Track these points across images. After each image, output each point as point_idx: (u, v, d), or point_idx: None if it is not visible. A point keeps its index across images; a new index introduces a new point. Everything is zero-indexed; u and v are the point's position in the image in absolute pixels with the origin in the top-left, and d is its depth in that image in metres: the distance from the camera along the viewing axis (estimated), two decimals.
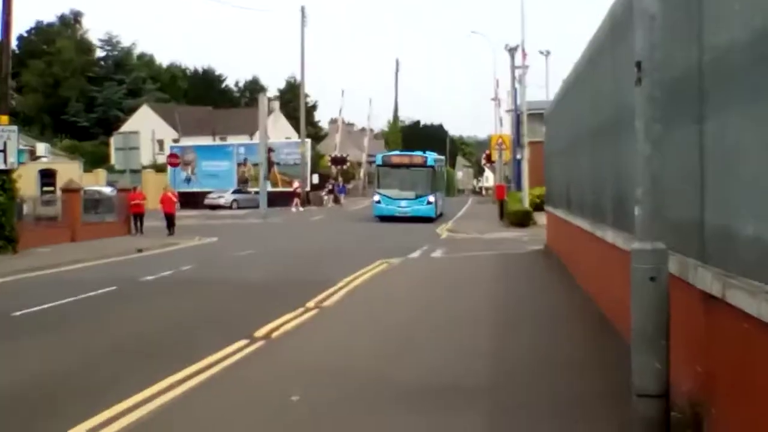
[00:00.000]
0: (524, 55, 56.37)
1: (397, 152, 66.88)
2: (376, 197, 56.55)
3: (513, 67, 62.35)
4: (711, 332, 7.07)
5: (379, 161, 58.58)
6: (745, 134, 6.13)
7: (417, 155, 58.73)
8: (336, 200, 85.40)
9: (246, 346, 13.09)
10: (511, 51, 61.67)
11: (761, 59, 5.71)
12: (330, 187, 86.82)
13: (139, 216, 42.18)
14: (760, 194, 5.79)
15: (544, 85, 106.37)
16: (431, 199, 55.46)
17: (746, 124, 6.11)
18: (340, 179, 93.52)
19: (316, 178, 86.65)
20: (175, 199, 44.03)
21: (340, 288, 19.89)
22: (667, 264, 7.42)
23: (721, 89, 6.80)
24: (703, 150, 7.37)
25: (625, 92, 9.76)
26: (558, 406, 9.04)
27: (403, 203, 54.97)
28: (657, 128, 7.43)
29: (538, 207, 42.47)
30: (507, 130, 78.06)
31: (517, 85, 60.12)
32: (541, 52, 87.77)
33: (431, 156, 58.35)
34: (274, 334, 14.04)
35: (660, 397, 7.24)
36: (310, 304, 17.27)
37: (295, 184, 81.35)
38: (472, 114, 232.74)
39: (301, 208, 73.95)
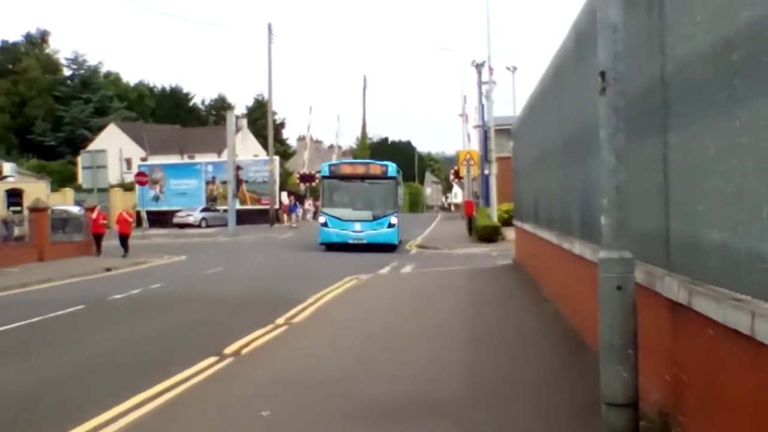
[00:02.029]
0: (491, 70, 56.58)
1: (349, 160, 54.27)
2: (322, 218, 44.18)
3: (480, 83, 62.57)
4: (678, 340, 7.11)
5: (325, 172, 45.35)
6: (707, 145, 6.18)
7: (374, 164, 46.75)
8: (292, 218, 79.81)
9: (215, 363, 13.05)
10: (478, 67, 61.96)
11: (723, 71, 5.76)
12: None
13: (98, 236, 41.28)
14: (723, 203, 5.84)
15: (512, 101, 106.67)
16: (393, 220, 43.63)
17: (709, 134, 6.16)
18: (293, 198, 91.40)
19: (285, 196, 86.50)
20: (130, 220, 42.91)
21: (310, 304, 19.87)
22: (633, 273, 7.47)
23: (684, 100, 6.86)
24: (668, 160, 7.43)
25: (590, 104, 9.81)
26: (528, 420, 9.03)
27: (358, 226, 43.12)
28: (621, 138, 7.48)
29: (506, 222, 42.65)
30: (475, 145, 78.33)
31: (484, 101, 60.22)
32: (508, 68, 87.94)
33: (392, 166, 45.31)
34: (244, 351, 14.00)
35: (629, 407, 7.27)
36: (280, 320, 17.23)
37: (285, 200, 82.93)
38: (440, 130, 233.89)
39: (294, 224, 74.06)
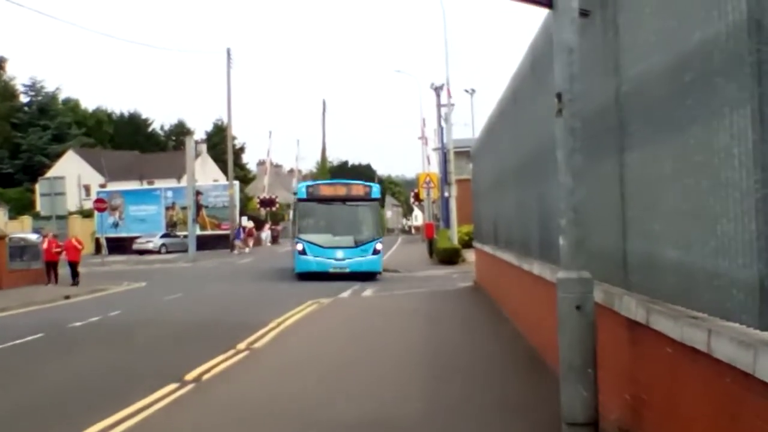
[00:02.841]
0: (449, 93, 56.90)
1: (329, 181, 47.34)
2: (299, 245, 39.17)
3: (439, 106, 62.86)
4: (637, 359, 7.16)
5: (302, 193, 40.44)
6: (663, 164, 6.25)
7: (357, 184, 42.10)
8: (237, 244, 76.43)
9: (176, 389, 12.94)
10: (437, 90, 62.23)
11: (676, 91, 5.83)
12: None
13: (52, 264, 40.30)
14: (679, 222, 5.90)
15: (471, 123, 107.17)
16: (378, 246, 39.66)
17: (664, 154, 6.22)
18: (252, 222, 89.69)
19: (245, 221, 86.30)
20: (80, 247, 41.19)
21: (271, 329, 19.78)
22: (592, 293, 7.52)
23: (639, 120, 6.93)
24: (624, 180, 7.49)
25: (548, 125, 9.88)
26: None
27: (340, 254, 38.70)
28: (578, 159, 7.55)
29: (467, 244, 42.81)
30: (435, 168, 78.58)
31: (443, 124, 60.50)
32: (467, 90, 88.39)
33: (376, 187, 41.76)
34: (205, 377, 13.91)
35: (589, 426, 7.31)
36: (241, 345, 17.14)
37: (245, 222, 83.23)
38: (400, 153, 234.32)
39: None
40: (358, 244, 38.92)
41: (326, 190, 40.80)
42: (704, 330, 5.16)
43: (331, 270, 38.12)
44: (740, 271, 4.77)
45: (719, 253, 5.09)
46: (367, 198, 40.31)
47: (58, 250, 40.23)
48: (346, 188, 41.13)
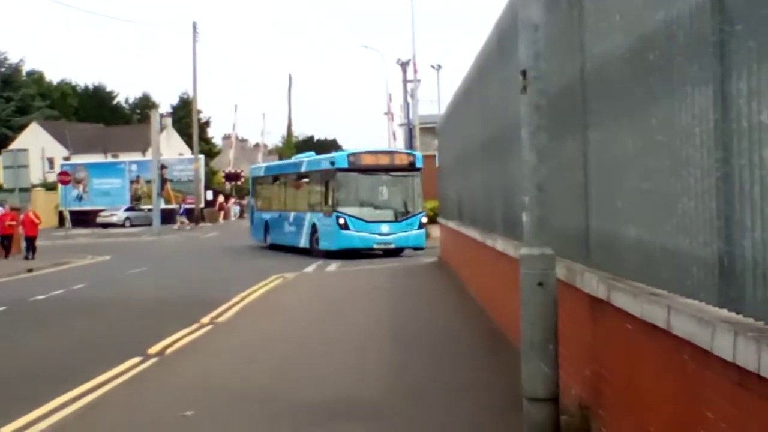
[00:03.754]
0: (416, 69, 56.83)
1: (372, 149, 40.39)
2: (340, 220, 34.89)
3: (405, 81, 62.84)
4: (598, 335, 7.22)
5: (342, 163, 35.97)
6: (625, 142, 6.28)
7: (400, 153, 40.15)
8: (178, 221, 73.83)
9: (139, 363, 12.96)
10: (403, 65, 62.22)
11: (639, 69, 5.86)
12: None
13: (6, 238, 39.42)
14: (640, 200, 5.94)
15: (437, 99, 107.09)
16: (423, 220, 36.59)
17: (626, 132, 6.26)
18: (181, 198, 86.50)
19: (210, 195, 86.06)
20: (37, 221, 40.31)
21: (235, 303, 19.78)
22: (554, 269, 7.56)
23: (603, 99, 6.97)
24: (588, 158, 7.54)
25: (513, 102, 9.91)
26: (450, 419, 9.08)
27: (385, 228, 35.25)
28: (542, 136, 7.58)
29: (432, 220, 42.83)
30: (400, 144, 78.42)
31: (409, 99, 60.50)
32: (433, 66, 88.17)
33: (419, 156, 38.25)
34: (168, 351, 13.92)
35: (550, 401, 7.37)
36: (205, 320, 17.14)
37: (220, 198, 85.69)
38: (366, 128, 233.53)
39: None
40: (402, 218, 35.79)
41: (368, 160, 36.80)
42: (664, 307, 5.20)
43: (375, 246, 35.52)
44: (700, 249, 4.81)
45: (680, 232, 5.13)
46: (411, 168, 36.84)
47: (13, 223, 39.55)
48: (389, 157, 37.93)
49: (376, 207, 35.69)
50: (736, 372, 4.19)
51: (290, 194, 41.71)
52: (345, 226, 34.85)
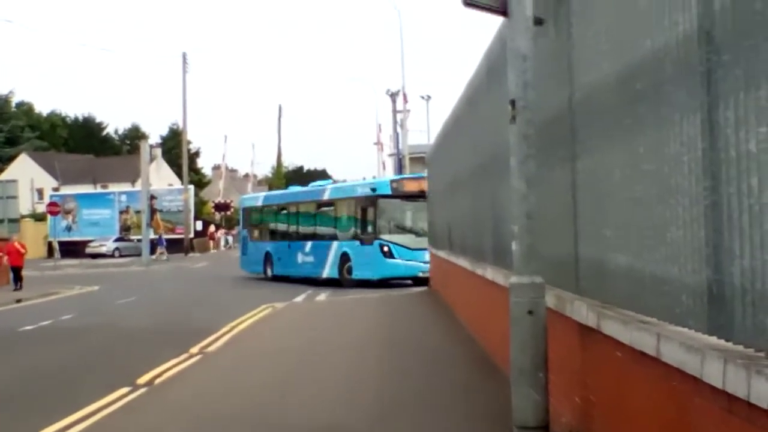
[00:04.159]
0: (405, 99, 57.03)
1: (412, 175, 40.21)
2: (384, 247, 34.06)
3: (395, 111, 63.04)
4: (588, 363, 7.23)
5: (384, 189, 35.21)
6: (613, 171, 6.32)
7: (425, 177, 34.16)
8: (157, 251, 71.87)
9: (128, 393, 12.89)
10: (393, 96, 62.43)
11: (627, 98, 5.90)
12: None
13: None
14: (629, 228, 5.97)
15: (426, 129, 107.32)
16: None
17: (615, 161, 6.30)
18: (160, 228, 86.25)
19: (199, 225, 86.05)
20: (23, 251, 39.70)
21: (224, 333, 19.73)
22: (544, 297, 7.58)
23: (591, 128, 7.00)
24: (576, 186, 7.57)
25: (502, 132, 9.95)
26: None
27: (422, 256, 32.64)
28: (531, 165, 7.62)
29: None
30: (390, 173, 78.66)
31: (398, 129, 60.67)
32: (422, 97, 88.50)
33: None
34: (157, 381, 13.86)
35: (540, 429, 7.37)
36: (194, 350, 17.09)
37: (211, 228, 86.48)
38: (356, 159, 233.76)
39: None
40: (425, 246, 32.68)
41: (411, 186, 35.08)
42: (653, 334, 5.22)
43: (420, 274, 33.08)
44: (689, 277, 4.83)
45: (669, 260, 5.16)
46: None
47: (0, 254, 39.44)
48: (419, 184, 34.14)
49: (418, 234, 34.14)
50: (726, 399, 4.21)
51: (305, 223, 40.61)
52: (389, 254, 33.96)
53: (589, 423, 7.23)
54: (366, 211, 35.23)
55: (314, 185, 43.55)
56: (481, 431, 9.50)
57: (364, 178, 46.04)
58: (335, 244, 36.74)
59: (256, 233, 45.02)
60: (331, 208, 38.38)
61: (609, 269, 6.53)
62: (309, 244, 39.01)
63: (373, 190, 35.10)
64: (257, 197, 49.75)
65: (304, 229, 40.41)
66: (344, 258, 36.04)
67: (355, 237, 35.61)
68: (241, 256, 46.50)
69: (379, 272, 34.05)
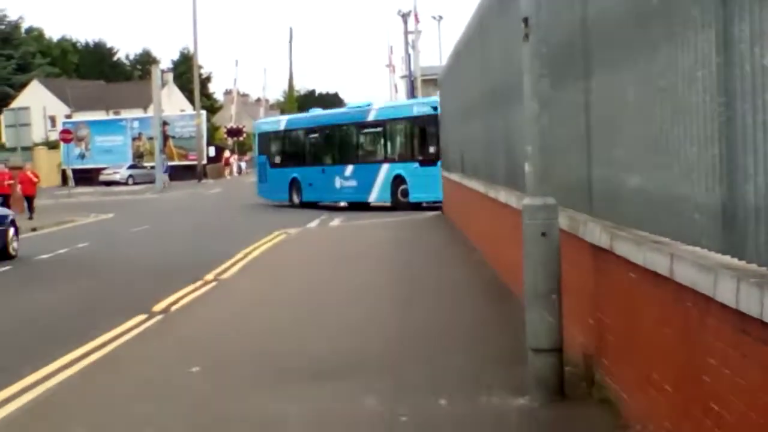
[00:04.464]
0: (416, 20, 56.56)
1: None
2: None
3: (406, 33, 62.61)
4: (601, 284, 7.21)
5: None
6: (627, 90, 6.24)
7: None
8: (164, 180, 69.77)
9: (144, 321, 12.94)
10: (404, 16, 61.96)
11: (641, 15, 5.80)
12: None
13: (5, 197, 37.38)
14: (643, 148, 5.90)
15: (438, 50, 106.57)
16: None
17: (628, 79, 6.21)
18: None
19: (212, 151, 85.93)
20: (35, 180, 39.51)
21: (239, 260, 19.75)
22: (557, 219, 7.53)
23: (605, 46, 6.91)
24: (590, 107, 7.49)
25: (514, 52, 9.84)
26: (456, 370, 9.06)
27: None
28: (544, 85, 7.52)
29: None
30: (402, 96, 78.21)
31: (410, 51, 60.26)
32: (434, 17, 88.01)
33: None
34: (173, 308, 13.91)
35: (554, 351, 7.36)
36: (209, 276, 17.13)
37: (226, 154, 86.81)
38: (368, 82, 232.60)
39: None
40: None
41: None
42: (666, 254, 5.19)
43: None
44: (702, 196, 4.78)
45: (682, 178, 5.10)
46: None
47: (11, 182, 39.23)
48: None
49: None
50: (738, 318, 4.19)
51: (344, 146, 39.31)
52: None
53: (603, 344, 7.24)
54: (425, 131, 33.73)
55: (351, 107, 42.37)
56: (495, 353, 9.50)
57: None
58: (385, 166, 35.32)
59: (277, 159, 43.19)
60: (379, 129, 36.91)
61: (622, 190, 6.47)
62: (350, 168, 37.64)
63: (434, 108, 32.16)
64: (278, 121, 47.38)
65: (343, 152, 39.03)
66: (398, 181, 34.96)
67: (411, 158, 34.48)
68: (259, 183, 44.83)
69: (441, 194, 31.16)
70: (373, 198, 36.26)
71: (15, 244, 23.31)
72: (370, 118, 37.32)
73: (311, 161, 40.36)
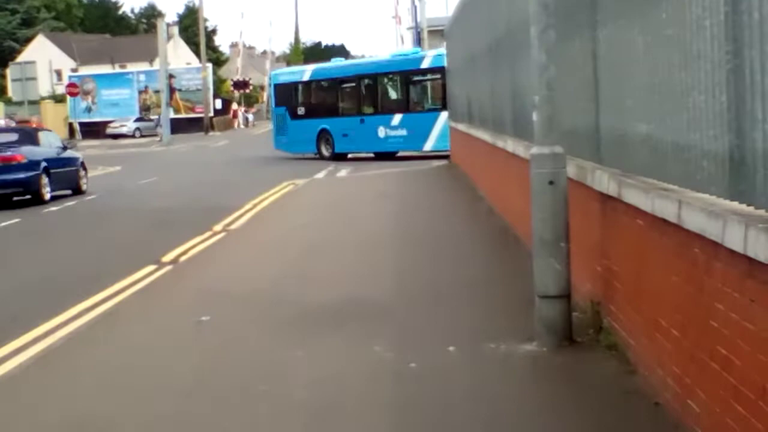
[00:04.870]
0: None
1: None
2: None
3: None
4: (609, 232, 7.26)
5: None
6: (635, 38, 6.25)
7: None
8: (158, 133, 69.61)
9: (154, 271, 13.02)
10: None
11: None
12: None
13: None
14: (651, 96, 5.93)
15: (444, 1, 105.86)
16: None
17: (636, 28, 6.22)
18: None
19: (219, 103, 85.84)
20: None
21: (247, 211, 19.81)
22: (565, 168, 7.56)
23: None
24: (597, 56, 7.50)
25: (521, 1, 9.82)
26: (463, 316, 9.14)
27: None
28: (551, 35, 7.51)
29: None
30: (409, 47, 77.91)
31: (416, 2, 59.79)
32: None
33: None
34: (182, 259, 13.99)
35: (561, 298, 7.42)
36: (217, 227, 17.19)
37: (234, 106, 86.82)
38: (374, 33, 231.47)
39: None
40: None
41: None
42: (674, 201, 5.23)
43: None
44: (710, 143, 4.81)
45: (690, 126, 5.13)
46: None
47: None
48: None
49: None
50: (746, 263, 4.23)
51: (388, 95, 38.32)
52: None
53: (610, 291, 7.30)
54: None
55: (397, 54, 41.06)
56: (504, 300, 9.57)
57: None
58: (444, 114, 33.10)
59: (301, 110, 40.98)
60: (437, 76, 35.16)
61: (630, 138, 6.51)
62: (398, 117, 36.34)
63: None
64: (300, 71, 44.74)
65: (388, 101, 37.97)
66: None
67: None
68: (277, 136, 42.61)
69: None
70: (429, 147, 35.29)
71: (84, 180, 28.44)
72: (425, 65, 36.29)
73: (346, 111, 38.92)
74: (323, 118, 39.21)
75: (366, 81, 38.72)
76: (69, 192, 26.85)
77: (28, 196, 24.60)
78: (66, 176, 26.82)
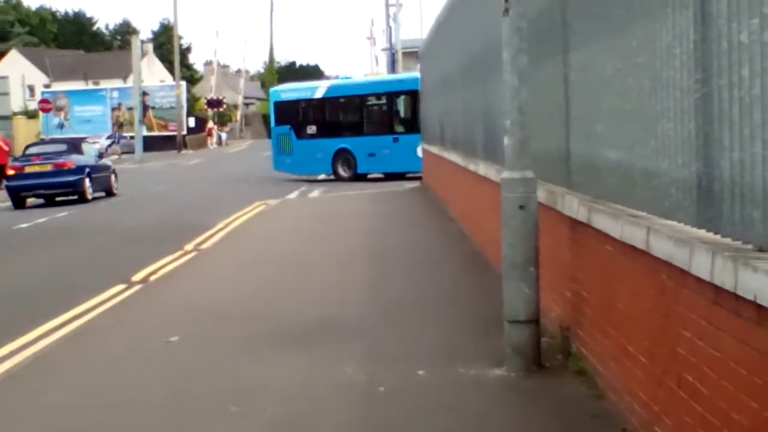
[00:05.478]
0: None
1: None
2: None
3: (387, 5, 62.27)
4: (578, 257, 7.28)
5: None
6: (605, 64, 6.29)
7: None
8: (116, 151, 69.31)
9: (123, 290, 12.97)
10: None
11: None
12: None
13: None
14: (620, 122, 5.96)
15: (419, 24, 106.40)
16: None
17: (606, 54, 6.26)
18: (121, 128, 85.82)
19: (192, 122, 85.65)
20: (6, 148, 38.71)
21: (219, 230, 19.74)
22: (536, 192, 7.58)
23: (583, 20, 6.96)
24: (568, 81, 7.54)
25: (494, 26, 9.86)
26: (432, 339, 9.12)
27: None
28: (524, 59, 7.53)
29: None
30: (383, 69, 77.99)
31: (391, 23, 60.02)
32: None
33: None
34: (152, 278, 13.93)
35: (530, 323, 7.42)
36: (189, 246, 17.13)
37: (210, 124, 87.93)
38: (349, 54, 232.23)
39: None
40: None
41: None
42: (643, 228, 5.25)
43: None
44: (679, 170, 4.84)
45: (659, 153, 5.16)
46: None
47: None
48: None
49: None
50: (713, 291, 4.25)
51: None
52: None
53: (579, 316, 7.31)
54: None
55: None
56: (473, 325, 9.56)
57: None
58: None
59: (310, 129, 38.16)
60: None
61: (600, 164, 6.53)
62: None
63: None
64: (311, 88, 40.38)
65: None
66: None
67: None
68: (278, 156, 39.39)
69: None
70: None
71: (115, 185, 33.36)
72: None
73: (373, 130, 36.62)
74: (341, 137, 37.00)
75: (402, 97, 36.38)
76: (103, 194, 32.01)
77: (75, 196, 30.13)
78: (102, 180, 32.10)
